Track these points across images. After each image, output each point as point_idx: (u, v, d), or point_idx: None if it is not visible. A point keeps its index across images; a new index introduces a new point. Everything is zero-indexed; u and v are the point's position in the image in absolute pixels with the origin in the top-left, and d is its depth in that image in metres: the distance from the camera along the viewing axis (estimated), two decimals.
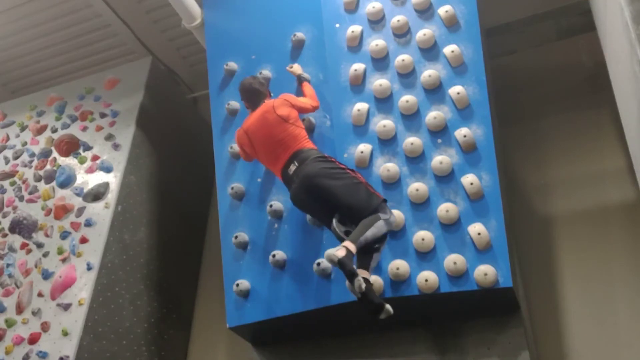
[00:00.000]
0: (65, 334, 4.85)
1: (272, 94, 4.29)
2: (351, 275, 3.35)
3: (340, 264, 3.34)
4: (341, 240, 3.60)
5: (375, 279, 3.86)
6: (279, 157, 3.93)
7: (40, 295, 5.18)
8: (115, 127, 5.85)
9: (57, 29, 6.78)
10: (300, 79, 4.39)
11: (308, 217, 4.19)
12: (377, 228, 3.58)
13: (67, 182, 5.71)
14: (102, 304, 5.01)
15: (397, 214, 3.98)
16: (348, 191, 3.69)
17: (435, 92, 4.24)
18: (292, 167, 3.85)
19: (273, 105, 4.01)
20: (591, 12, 4.46)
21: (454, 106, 4.15)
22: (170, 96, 6.50)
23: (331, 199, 3.70)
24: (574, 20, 5.67)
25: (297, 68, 4.45)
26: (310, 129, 4.38)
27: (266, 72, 4.70)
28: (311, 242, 4.17)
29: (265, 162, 4.16)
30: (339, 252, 3.37)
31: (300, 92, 4.37)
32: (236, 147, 4.57)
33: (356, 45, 4.53)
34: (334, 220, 3.70)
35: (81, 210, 5.45)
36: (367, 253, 3.61)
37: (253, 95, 4.16)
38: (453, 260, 3.77)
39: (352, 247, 3.43)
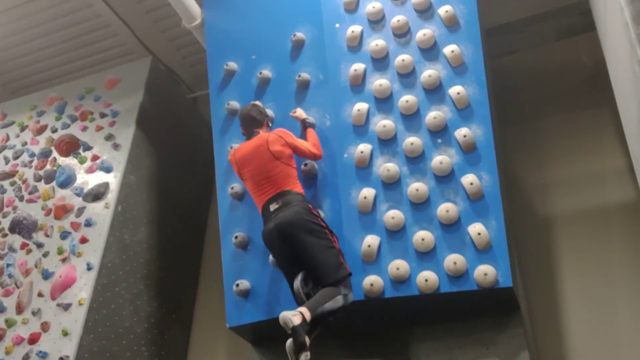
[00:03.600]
0: (65, 334, 4.85)
1: (270, 125, 4.22)
2: (300, 347, 3.25)
3: (293, 331, 3.27)
4: (299, 301, 3.54)
5: (376, 279, 3.86)
6: (264, 191, 3.88)
7: (40, 295, 5.18)
8: (115, 127, 5.85)
9: (57, 29, 6.78)
10: (304, 124, 4.28)
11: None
12: (335, 302, 3.53)
13: (67, 182, 5.71)
14: (102, 304, 5.01)
15: (397, 214, 3.99)
16: (319, 252, 3.63)
17: (435, 92, 4.24)
18: (275, 205, 3.78)
19: (267, 140, 3.93)
20: (591, 12, 4.46)
21: (454, 106, 4.15)
22: (170, 96, 6.49)
23: (301, 253, 3.65)
24: (574, 20, 5.67)
25: (300, 113, 4.33)
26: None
27: (266, 72, 4.70)
28: None
29: (250, 191, 4.05)
30: (295, 317, 3.29)
31: (304, 137, 4.24)
32: (236, 147, 4.58)
33: (356, 45, 4.53)
34: (298, 279, 3.62)
35: (81, 210, 5.45)
36: (317, 323, 3.53)
37: (250, 122, 4.11)
38: (453, 260, 3.77)
39: (308, 316, 3.36)
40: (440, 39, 4.35)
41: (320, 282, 3.62)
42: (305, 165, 4.25)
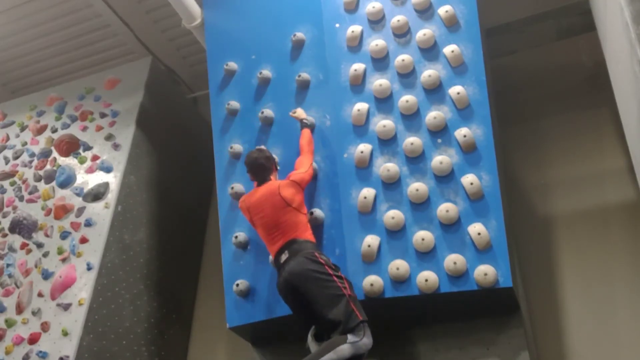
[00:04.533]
0: (65, 334, 4.85)
1: (278, 168, 4.18)
2: None
3: None
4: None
5: (376, 279, 3.86)
6: (275, 241, 3.81)
7: (40, 295, 5.18)
8: (115, 127, 5.85)
9: (57, 29, 6.78)
10: (302, 124, 4.26)
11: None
12: (336, 354, 3.34)
13: (67, 182, 5.71)
14: (102, 304, 5.01)
15: (397, 214, 3.99)
16: (327, 303, 3.51)
17: (435, 92, 4.24)
18: (284, 257, 3.72)
19: (279, 186, 3.87)
20: (591, 12, 4.46)
21: (454, 106, 4.15)
22: (170, 96, 6.50)
23: (309, 305, 3.58)
24: (574, 20, 5.67)
25: (300, 113, 4.34)
26: (311, 130, 4.38)
27: (266, 72, 4.70)
28: None
29: (262, 239, 3.99)
30: None
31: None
32: (236, 147, 4.58)
33: (356, 45, 4.53)
34: (309, 335, 3.60)
35: (81, 210, 5.45)
36: None
37: (258, 170, 4.02)
38: (453, 260, 3.77)
39: None
40: (440, 39, 4.35)
41: (332, 333, 3.52)
42: None
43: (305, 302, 3.59)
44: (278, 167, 4.20)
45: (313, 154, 4.13)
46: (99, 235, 5.23)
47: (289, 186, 3.88)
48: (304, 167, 4.02)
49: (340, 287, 3.57)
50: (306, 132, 4.21)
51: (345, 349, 3.38)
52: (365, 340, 3.46)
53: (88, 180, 5.62)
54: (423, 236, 3.89)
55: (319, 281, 3.57)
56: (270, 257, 4.01)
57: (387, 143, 4.22)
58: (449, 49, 4.26)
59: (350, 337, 3.42)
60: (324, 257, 3.72)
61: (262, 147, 4.33)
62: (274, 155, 4.29)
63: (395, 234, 3.98)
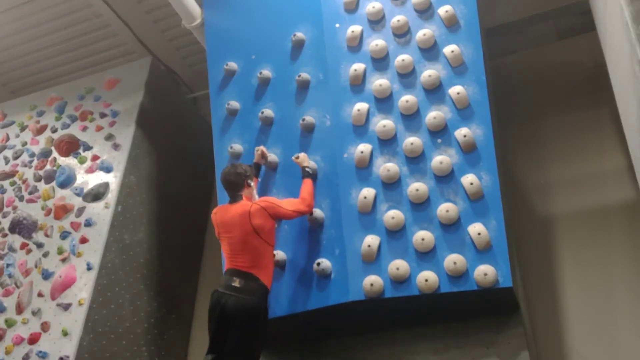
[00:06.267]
0: (65, 334, 4.85)
1: (250, 184, 4.02)
2: None
3: None
4: None
5: (376, 279, 3.86)
6: (237, 260, 3.84)
7: (40, 295, 5.18)
8: (115, 127, 5.85)
9: (57, 29, 6.78)
10: (304, 172, 4.13)
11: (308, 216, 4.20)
12: None
13: (67, 182, 5.71)
14: (102, 304, 5.01)
15: (397, 214, 3.99)
16: (239, 347, 3.77)
17: (435, 92, 4.24)
18: (237, 283, 3.78)
19: (250, 212, 3.81)
20: (591, 12, 4.46)
21: (454, 106, 4.15)
22: (170, 96, 6.50)
23: (227, 336, 3.80)
24: (574, 20, 5.68)
25: (303, 159, 4.21)
26: (310, 129, 4.39)
27: (266, 72, 4.70)
28: (311, 242, 4.17)
29: (223, 251, 4.02)
30: None
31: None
32: (236, 147, 4.58)
33: (356, 45, 4.53)
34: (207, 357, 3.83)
35: (81, 210, 5.46)
36: None
37: (229, 186, 4.00)
38: (453, 260, 3.77)
39: None
40: (440, 39, 4.35)
41: None
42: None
43: (226, 332, 3.81)
44: (251, 183, 4.05)
45: (307, 206, 4.00)
46: (99, 235, 5.24)
47: (259, 214, 3.82)
48: (287, 204, 3.95)
49: (257, 346, 3.86)
50: (308, 182, 4.10)
51: None
52: None
53: (88, 180, 5.62)
54: (423, 236, 3.89)
55: (249, 333, 3.78)
56: (224, 267, 4.02)
57: (387, 143, 4.22)
58: (449, 49, 4.26)
59: None
60: (264, 314, 3.87)
61: (238, 163, 4.19)
62: (248, 169, 4.09)
63: (395, 234, 3.97)
